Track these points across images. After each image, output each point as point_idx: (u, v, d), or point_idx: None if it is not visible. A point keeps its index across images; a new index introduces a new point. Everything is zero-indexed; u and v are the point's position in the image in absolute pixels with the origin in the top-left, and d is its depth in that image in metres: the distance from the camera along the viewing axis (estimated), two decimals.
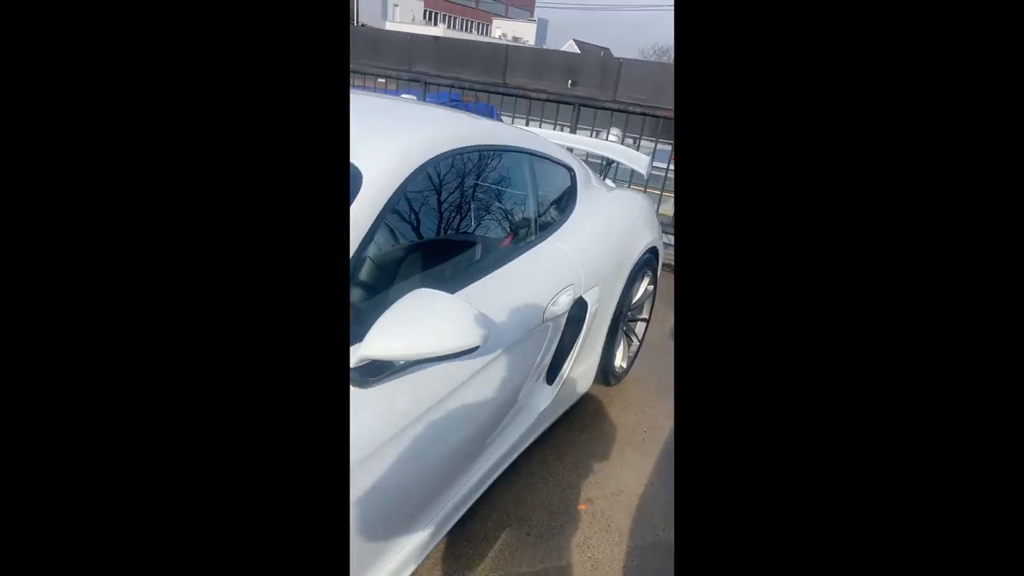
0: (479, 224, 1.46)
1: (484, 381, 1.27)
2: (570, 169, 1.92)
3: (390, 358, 0.92)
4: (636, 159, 2.57)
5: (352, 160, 1.06)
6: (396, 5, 38.63)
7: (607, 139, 4.66)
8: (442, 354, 0.92)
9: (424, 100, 5.00)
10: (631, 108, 3.81)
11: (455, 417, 1.17)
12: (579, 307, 1.66)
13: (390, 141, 1.20)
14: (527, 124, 5.11)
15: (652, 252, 2.28)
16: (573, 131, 4.08)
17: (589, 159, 2.91)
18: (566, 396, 1.81)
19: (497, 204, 1.57)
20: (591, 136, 4.42)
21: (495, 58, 11.86)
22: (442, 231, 1.33)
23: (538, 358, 1.54)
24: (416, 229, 1.23)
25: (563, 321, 1.60)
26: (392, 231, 1.15)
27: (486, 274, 1.34)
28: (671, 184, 4.66)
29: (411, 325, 0.90)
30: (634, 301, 2.22)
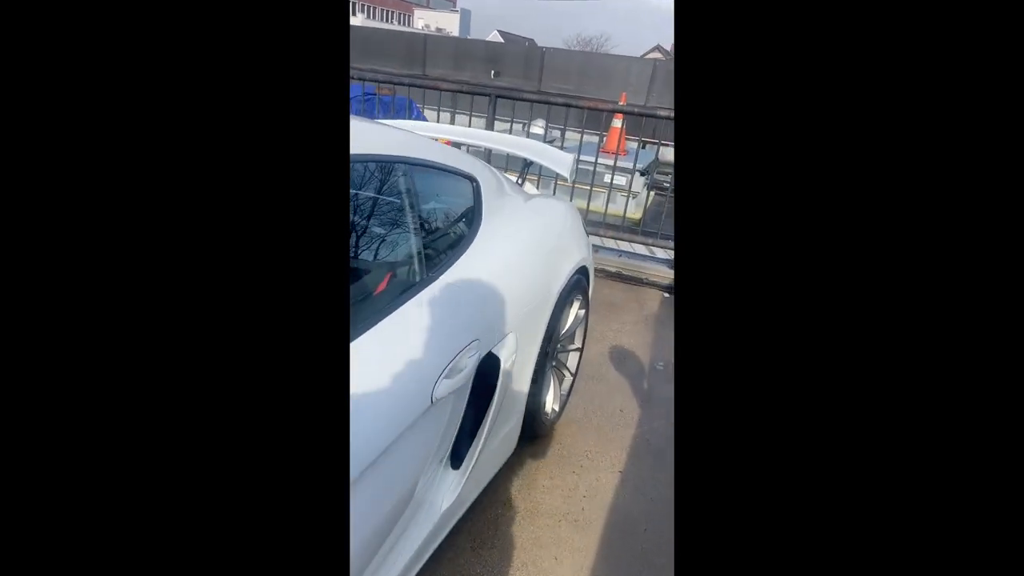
0: None
1: (363, 489, 0.86)
2: (472, 180, 1.51)
3: None
4: (558, 159, 2.19)
5: None
6: None
7: (529, 133, 4.29)
8: None
9: None
10: (552, 99, 3.44)
11: None
12: (489, 364, 1.26)
13: None
14: (452, 118, 4.71)
15: (582, 272, 1.91)
16: (490, 124, 3.67)
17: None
18: (481, 477, 1.41)
19: (363, 237, 1.14)
20: (515, 129, 4.05)
21: (414, 49, 11.25)
22: None
23: (435, 444, 1.13)
24: None
25: (467, 390, 1.19)
26: None
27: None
28: (600, 179, 4.38)
29: None
30: (563, 332, 1.85)
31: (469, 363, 1.15)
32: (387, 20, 43.49)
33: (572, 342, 1.97)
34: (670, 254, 3.49)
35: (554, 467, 1.77)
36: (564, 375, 1.99)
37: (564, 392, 1.98)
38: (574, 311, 1.90)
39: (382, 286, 1.11)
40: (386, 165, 1.16)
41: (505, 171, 2.32)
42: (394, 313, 1.02)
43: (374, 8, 44.25)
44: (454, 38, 22.40)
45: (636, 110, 3.32)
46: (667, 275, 3.31)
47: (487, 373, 1.26)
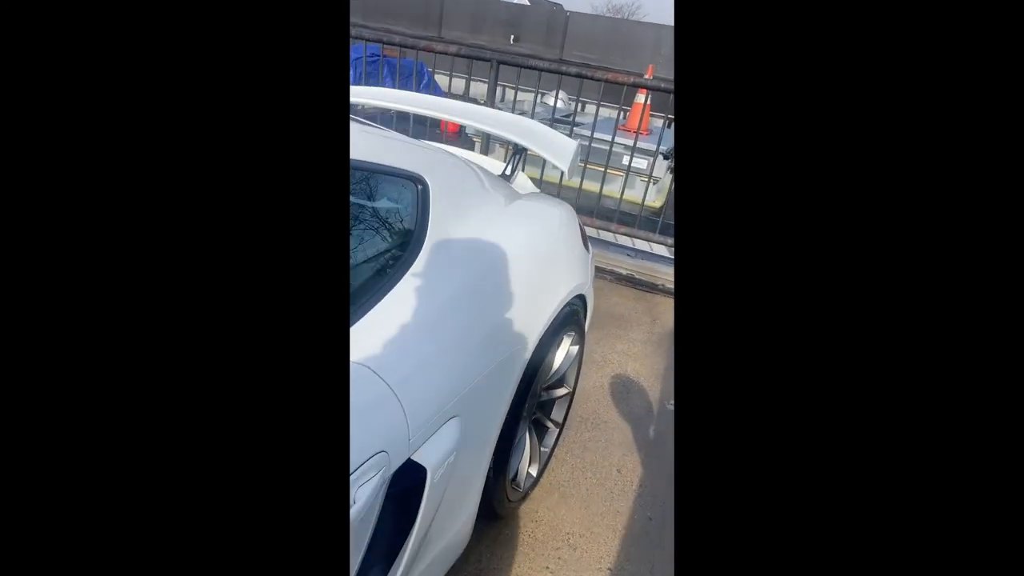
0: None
1: None
2: (416, 182, 1.06)
3: None
4: (557, 147, 1.72)
5: None
6: None
7: (554, 104, 3.78)
8: None
9: None
10: (565, 68, 2.92)
11: None
12: (408, 477, 0.82)
13: None
14: (466, 85, 4.17)
15: (577, 301, 1.46)
16: (491, 94, 3.18)
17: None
18: None
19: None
20: (536, 99, 3.52)
21: (431, 8, 10.59)
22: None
23: None
24: None
25: (374, 514, 0.76)
26: None
27: None
28: (617, 160, 3.87)
29: None
30: (547, 380, 1.41)
31: (366, 494, 0.72)
32: None
33: (560, 386, 1.54)
34: None
35: (522, 562, 1.35)
36: (548, 429, 1.56)
37: (547, 447, 1.56)
38: (563, 350, 1.46)
39: None
40: None
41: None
42: None
43: None
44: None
45: (663, 85, 2.79)
46: None
47: (407, 490, 0.83)
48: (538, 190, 1.87)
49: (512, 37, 10.06)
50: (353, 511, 0.70)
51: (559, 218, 1.50)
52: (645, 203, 3.23)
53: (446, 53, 3.10)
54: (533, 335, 1.18)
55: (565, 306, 1.34)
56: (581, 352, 1.59)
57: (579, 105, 4.36)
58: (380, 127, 1.32)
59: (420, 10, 10.49)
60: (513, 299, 1.14)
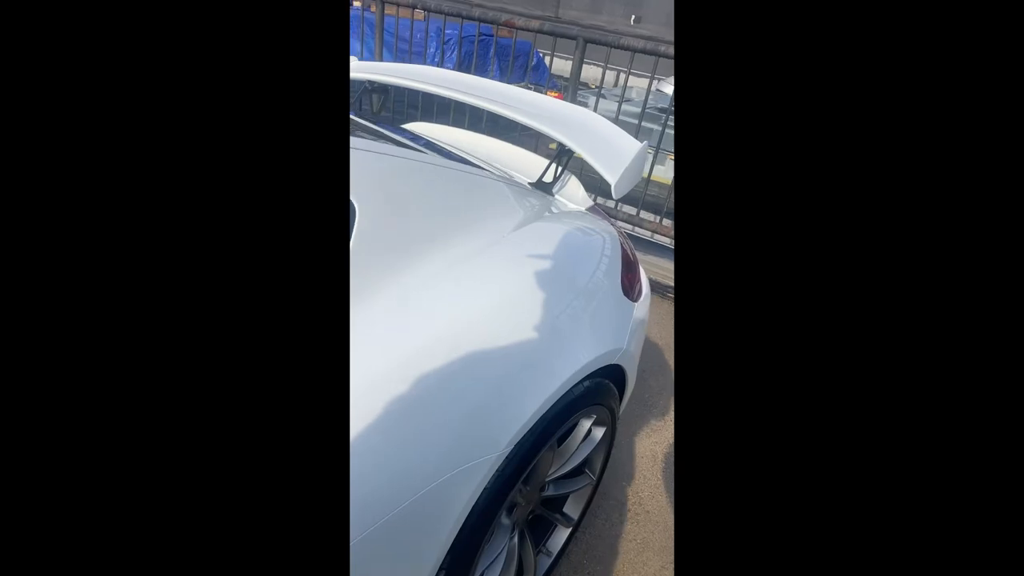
0: None
1: None
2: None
3: None
4: (613, 150, 1.29)
5: None
6: None
7: (665, 90, 3.30)
8: None
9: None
10: (664, 48, 2.42)
11: None
12: None
13: None
14: (576, 66, 3.77)
15: (608, 371, 1.03)
16: (574, 77, 2.75)
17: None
18: None
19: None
20: (650, 86, 2.98)
21: None
22: None
23: None
24: None
25: None
26: None
27: None
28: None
29: None
30: (554, 470, 1.02)
31: None
32: None
33: (579, 474, 1.13)
34: None
35: None
36: (555, 524, 1.16)
37: (551, 552, 1.16)
38: (580, 434, 1.06)
39: None
40: None
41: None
42: None
43: None
44: None
45: None
46: None
47: None
48: (590, 203, 1.45)
49: (633, 18, 9.38)
50: None
51: (584, 254, 1.08)
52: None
53: (527, 29, 2.71)
54: (508, 432, 0.79)
55: (582, 382, 0.94)
56: (612, 434, 1.17)
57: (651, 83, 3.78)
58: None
59: None
60: (475, 383, 0.75)
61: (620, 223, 2.73)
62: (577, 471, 1.13)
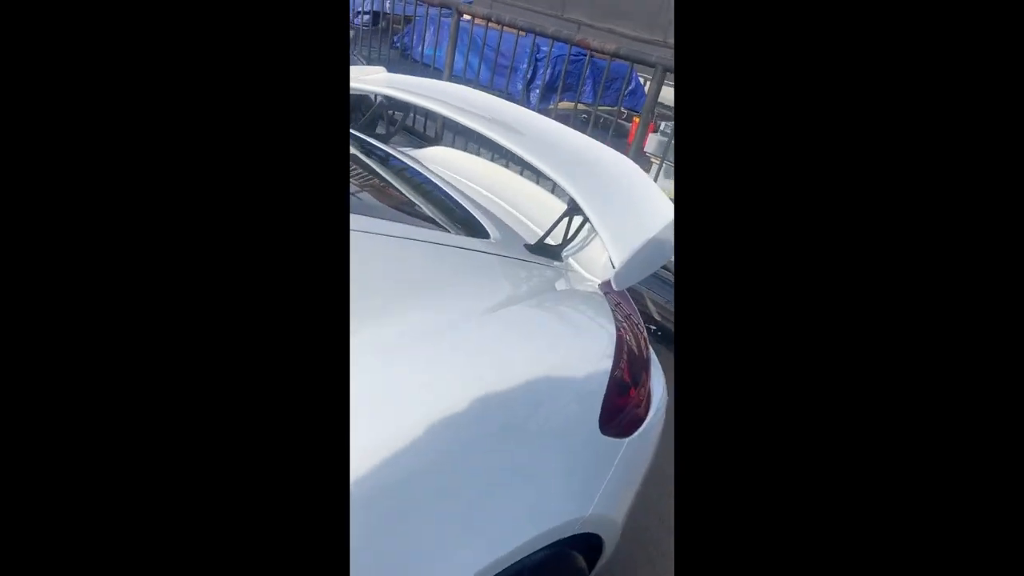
0: None
1: None
2: None
3: None
4: (630, 224, 1.02)
5: None
6: None
7: None
8: None
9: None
10: None
11: None
12: None
13: None
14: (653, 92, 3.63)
15: (572, 542, 0.80)
16: (651, 102, 2.59)
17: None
18: None
19: None
20: None
21: (662, 10, 9.91)
22: None
23: None
24: None
25: None
26: None
27: None
28: None
29: None
30: None
31: None
32: None
33: None
34: None
35: None
36: None
37: None
38: None
39: None
40: None
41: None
42: None
43: None
44: None
45: None
46: None
47: None
48: (606, 277, 1.10)
49: None
50: None
51: (555, 369, 0.78)
52: None
53: (602, 52, 2.59)
54: None
55: (521, 560, 0.69)
56: None
57: None
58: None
59: (653, 9, 9.86)
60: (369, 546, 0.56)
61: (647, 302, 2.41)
62: None
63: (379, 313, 0.68)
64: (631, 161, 1.23)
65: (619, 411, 0.86)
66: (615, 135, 3.02)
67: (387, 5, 4.42)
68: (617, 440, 0.85)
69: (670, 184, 2.28)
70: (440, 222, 1.02)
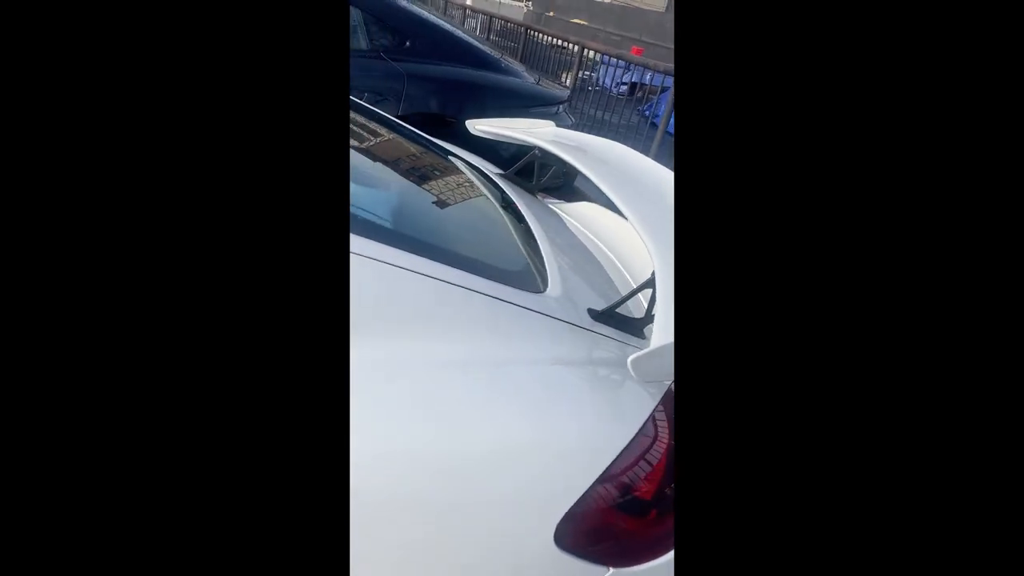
0: None
1: None
2: None
3: None
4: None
5: None
6: None
7: None
8: None
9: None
10: None
11: None
12: None
13: None
14: None
15: None
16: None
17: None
18: None
19: None
20: None
21: None
22: None
23: None
24: None
25: None
26: None
27: None
28: None
29: None
30: None
31: None
32: None
33: None
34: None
35: None
36: None
37: None
38: None
39: None
40: None
41: None
42: None
43: None
44: None
45: None
46: None
47: None
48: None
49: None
50: None
51: (521, 445, 0.71)
52: None
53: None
54: None
55: None
56: None
57: None
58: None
59: None
60: None
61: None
62: None
63: (370, 334, 0.67)
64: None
65: (607, 528, 0.70)
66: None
67: (647, 78, 4.99)
68: (589, 565, 0.68)
69: None
70: (491, 267, 0.89)
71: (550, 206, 1.51)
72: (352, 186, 0.82)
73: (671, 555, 0.70)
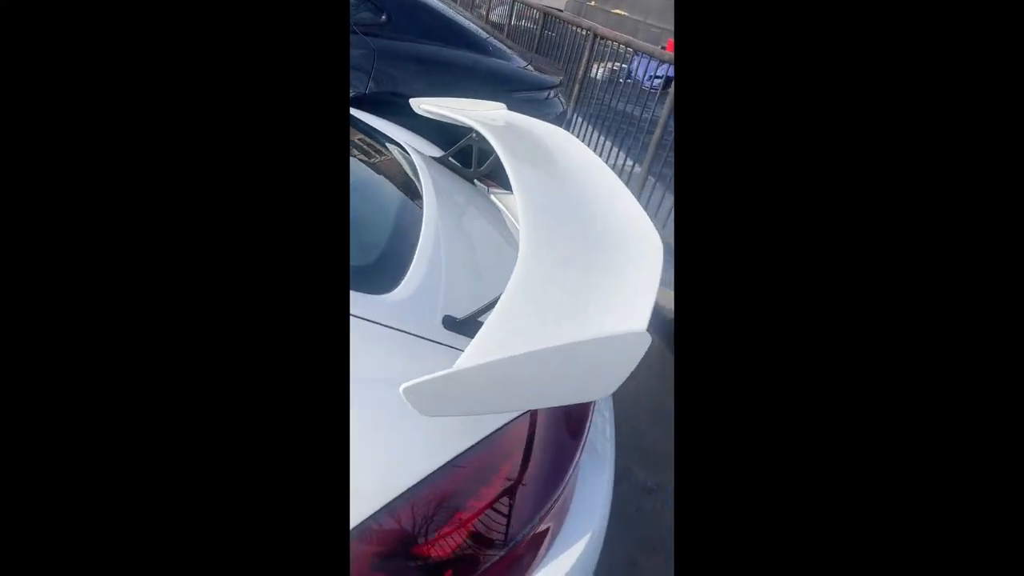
0: None
1: None
2: None
3: None
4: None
5: None
6: None
7: None
8: None
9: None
10: None
11: None
12: None
13: None
14: None
15: None
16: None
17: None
18: None
19: None
20: None
21: None
22: None
23: None
24: None
25: None
26: None
27: None
28: None
29: None
30: None
31: None
32: None
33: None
34: None
35: None
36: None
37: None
38: None
39: None
40: None
41: None
42: None
43: None
44: None
45: None
46: None
47: None
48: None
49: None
50: None
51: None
52: None
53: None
54: None
55: None
56: None
57: None
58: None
59: None
60: None
61: None
62: None
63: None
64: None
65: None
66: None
67: None
68: None
69: None
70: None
71: (491, 196, 1.39)
72: None
73: None
